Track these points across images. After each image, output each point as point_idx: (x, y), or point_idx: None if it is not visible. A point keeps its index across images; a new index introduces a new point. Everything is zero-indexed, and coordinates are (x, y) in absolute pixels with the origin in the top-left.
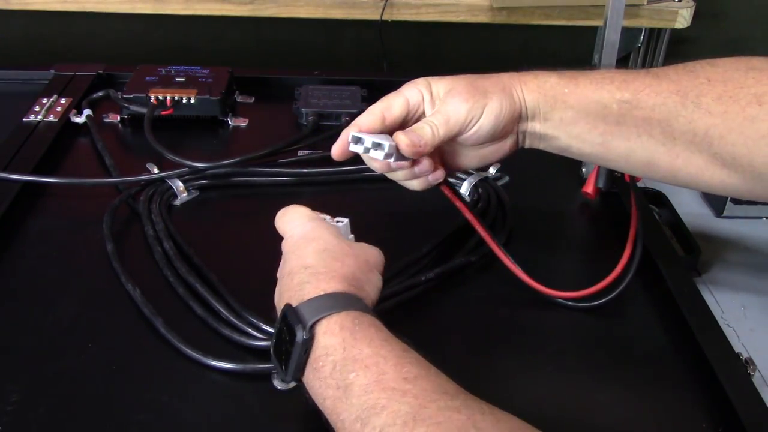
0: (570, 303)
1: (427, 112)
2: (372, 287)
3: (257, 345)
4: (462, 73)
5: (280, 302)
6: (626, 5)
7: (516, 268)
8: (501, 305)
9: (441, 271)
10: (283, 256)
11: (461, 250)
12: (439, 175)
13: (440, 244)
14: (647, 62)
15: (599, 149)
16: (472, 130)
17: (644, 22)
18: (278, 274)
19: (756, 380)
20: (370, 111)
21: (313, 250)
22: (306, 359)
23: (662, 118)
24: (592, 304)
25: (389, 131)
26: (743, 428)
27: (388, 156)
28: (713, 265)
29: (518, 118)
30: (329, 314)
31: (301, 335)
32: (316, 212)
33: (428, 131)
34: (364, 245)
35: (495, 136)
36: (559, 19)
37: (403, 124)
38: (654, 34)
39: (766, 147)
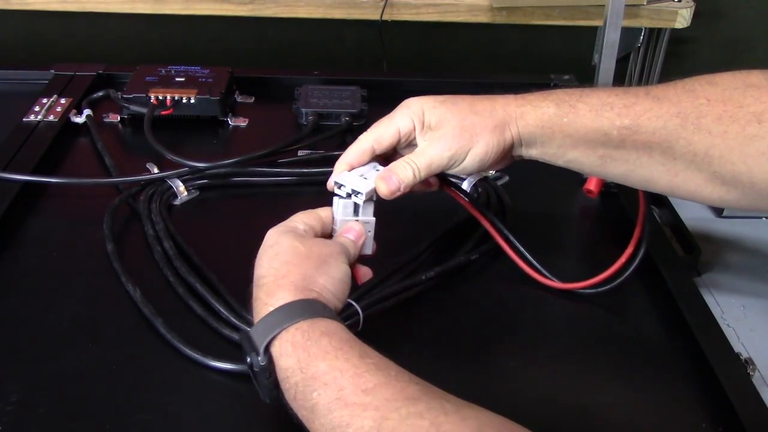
0: (582, 291)
1: (418, 140)
2: (329, 279)
3: None
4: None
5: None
6: (626, 5)
7: (521, 261)
8: (501, 304)
9: (441, 270)
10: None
11: (461, 249)
12: (434, 185)
13: (440, 243)
14: (647, 62)
15: (598, 169)
16: (456, 169)
17: (644, 22)
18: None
19: (756, 380)
20: (360, 142)
21: (267, 258)
22: (273, 381)
23: (662, 141)
24: (595, 291)
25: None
26: (743, 428)
27: (369, 197)
28: (713, 265)
29: (510, 148)
30: (278, 333)
31: (257, 362)
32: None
33: (410, 175)
34: (318, 240)
35: (483, 169)
36: (559, 19)
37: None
38: (654, 34)
39: (766, 164)
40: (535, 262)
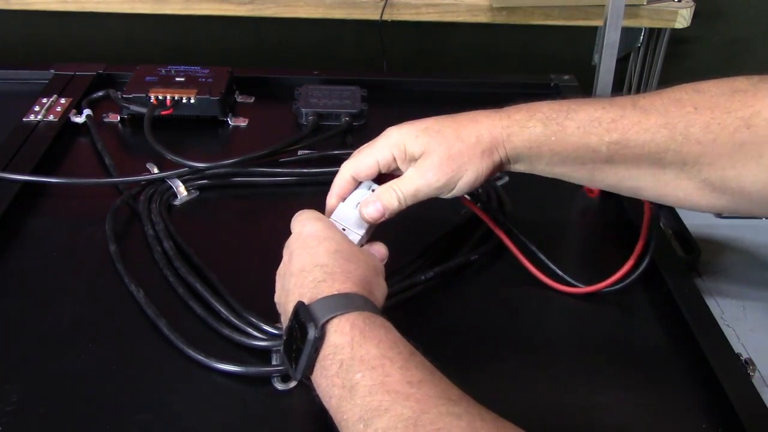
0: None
1: (402, 168)
2: (380, 292)
3: (257, 345)
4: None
5: (287, 300)
6: (626, 5)
7: (532, 267)
8: (500, 304)
9: (440, 270)
10: (287, 253)
11: (461, 249)
12: None
13: (440, 243)
14: (647, 62)
15: (588, 182)
16: (446, 196)
17: (644, 22)
18: (281, 272)
19: (756, 380)
20: (341, 173)
21: (325, 250)
22: (315, 357)
23: (652, 154)
24: (605, 291)
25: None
26: (743, 428)
27: (366, 230)
28: (713, 265)
29: (499, 168)
30: (342, 313)
31: (312, 333)
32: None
33: (394, 203)
34: (369, 251)
35: (474, 189)
36: (559, 19)
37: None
38: (654, 34)
39: (756, 168)
40: (553, 266)
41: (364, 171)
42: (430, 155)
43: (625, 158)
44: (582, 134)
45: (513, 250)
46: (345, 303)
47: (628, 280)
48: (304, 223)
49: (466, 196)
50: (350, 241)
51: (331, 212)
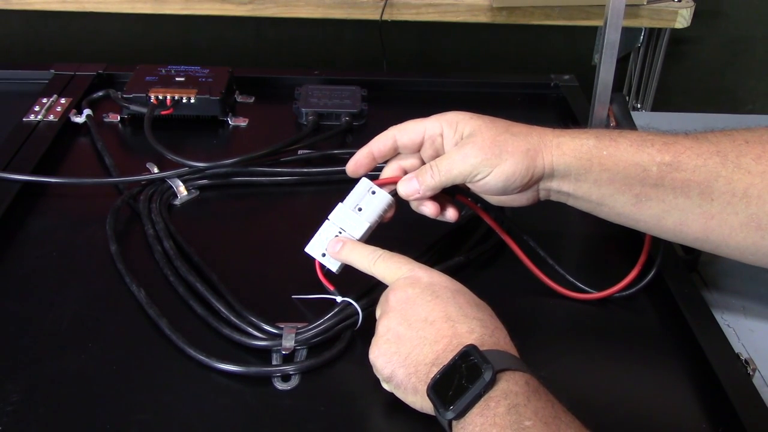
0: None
1: (446, 147)
2: (502, 331)
3: (258, 345)
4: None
5: (414, 348)
6: (626, 5)
7: (539, 273)
8: (500, 304)
9: (441, 270)
10: (407, 301)
11: (461, 249)
12: (453, 217)
13: (439, 243)
14: (647, 62)
15: (631, 210)
16: (478, 184)
17: (644, 22)
18: (390, 333)
19: (756, 380)
20: (384, 133)
21: (466, 301)
22: (477, 401)
23: (702, 180)
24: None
25: (406, 151)
26: (743, 428)
27: (363, 233)
28: (713, 265)
29: (539, 178)
30: (516, 369)
31: (489, 375)
32: None
33: (428, 178)
34: (460, 294)
35: (506, 193)
36: (559, 19)
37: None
38: (654, 34)
39: None
40: (563, 272)
41: (408, 134)
42: (476, 135)
43: (674, 183)
44: (634, 152)
45: (520, 255)
46: (517, 362)
47: (639, 285)
48: (410, 273)
49: (468, 198)
50: (459, 295)
51: (358, 161)
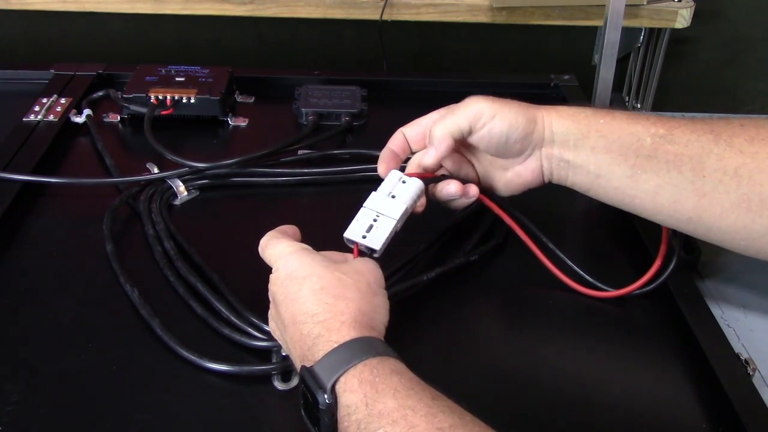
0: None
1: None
2: (381, 313)
3: (258, 345)
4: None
5: (290, 350)
6: (626, 5)
7: (560, 274)
8: (501, 304)
9: (442, 271)
10: (271, 298)
11: (461, 249)
12: (473, 194)
13: (440, 243)
14: (647, 62)
15: (627, 182)
16: (482, 132)
17: (644, 22)
18: (272, 315)
19: (756, 380)
20: (395, 133)
21: (310, 292)
22: (335, 421)
23: (694, 155)
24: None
25: (416, 146)
26: (743, 428)
27: (400, 215)
28: (713, 265)
29: (540, 140)
30: (348, 368)
31: (323, 400)
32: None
33: (437, 129)
34: (358, 266)
35: (509, 147)
36: (559, 19)
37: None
38: (654, 34)
39: None
40: (578, 269)
41: (413, 128)
42: (475, 96)
43: (667, 155)
44: (630, 122)
45: (538, 254)
46: (347, 356)
47: (658, 282)
48: (276, 263)
49: (485, 191)
50: (331, 266)
51: (384, 160)
